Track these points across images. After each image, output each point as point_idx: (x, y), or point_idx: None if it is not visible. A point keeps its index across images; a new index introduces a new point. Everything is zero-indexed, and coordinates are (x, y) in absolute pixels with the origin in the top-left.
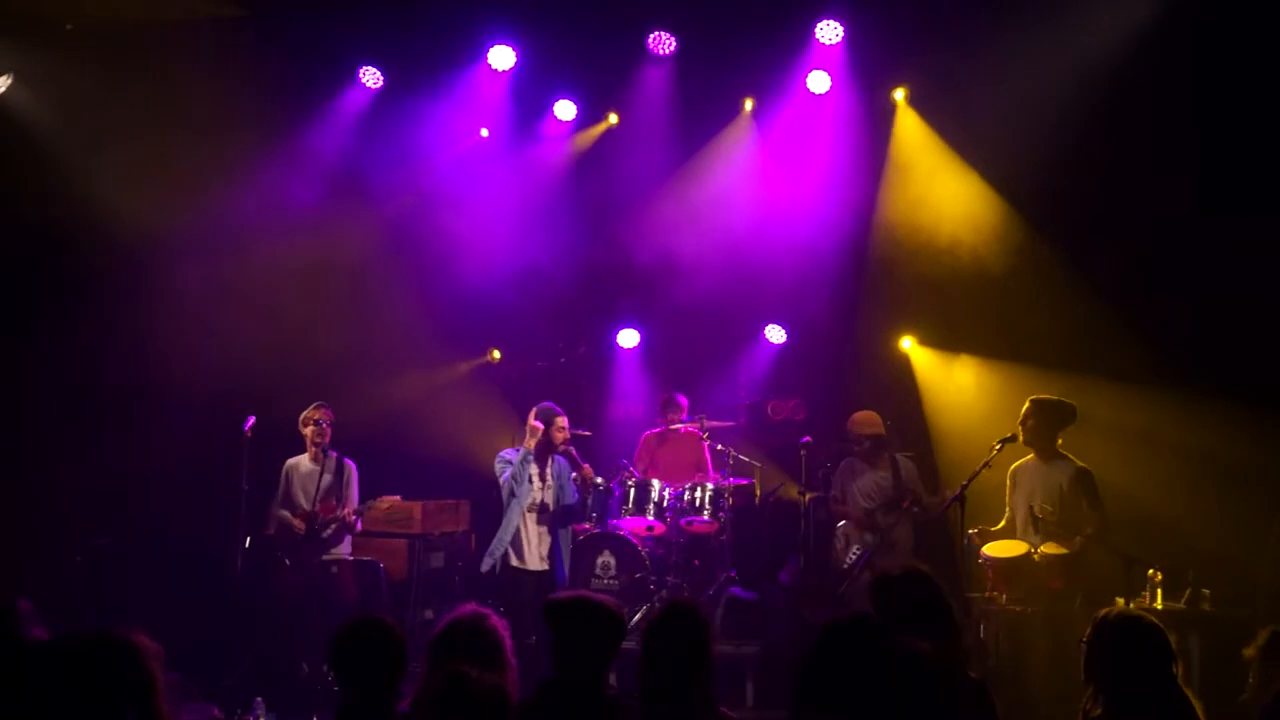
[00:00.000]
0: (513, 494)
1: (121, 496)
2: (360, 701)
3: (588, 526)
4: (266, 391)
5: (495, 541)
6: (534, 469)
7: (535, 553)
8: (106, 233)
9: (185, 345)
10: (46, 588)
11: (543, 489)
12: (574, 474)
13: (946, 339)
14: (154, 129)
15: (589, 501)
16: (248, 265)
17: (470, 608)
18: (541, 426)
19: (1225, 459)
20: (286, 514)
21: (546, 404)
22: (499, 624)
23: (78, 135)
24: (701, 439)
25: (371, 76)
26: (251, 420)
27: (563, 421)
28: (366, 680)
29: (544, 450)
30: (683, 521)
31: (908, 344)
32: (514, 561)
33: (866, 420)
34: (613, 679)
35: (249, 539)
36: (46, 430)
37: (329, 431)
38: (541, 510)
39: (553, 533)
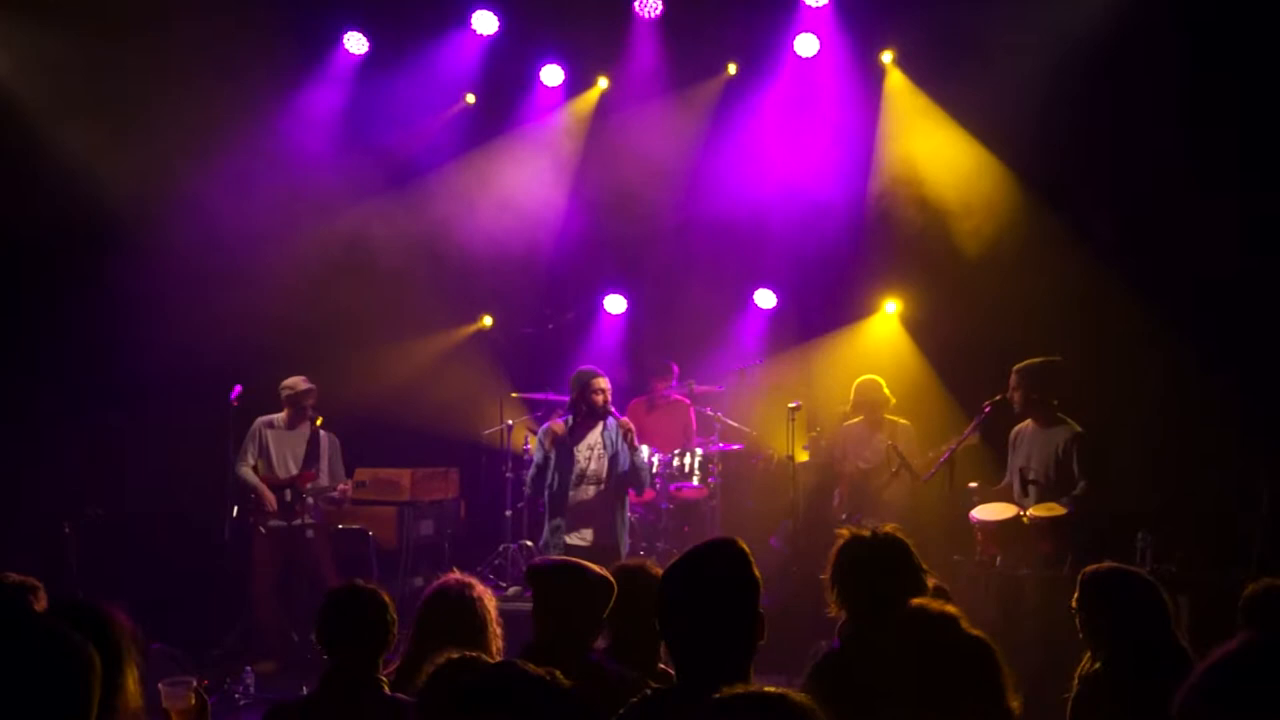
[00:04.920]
0: (542, 475)
1: (109, 467)
2: (345, 669)
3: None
4: (254, 361)
5: (549, 531)
6: (580, 439)
7: (590, 525)
8: (93, 201)
9: (171, 314)
10: (36, 560)
11: (592, 458)
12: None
13: (933, 303)
14: (138, 98)
15: (637, 463)
16: (234, 235)
17: (454, 577)
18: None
19: (1217, 421)
20: (253, 477)
21: (583, 368)
22: (485, 592)
23: (62, 104)
24: (689, 405)
25: (356, 42)
26: (238, 390)
27: (602, 382)
28: (352, 648)
29: (589, 416)
30: (672, 487)
31: (891, 308)
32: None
33: (871, 386)
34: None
35: (236, 509)
36: (34, 402)
37: (310, 409)
38: (594, 480)
39: (608, 504)
